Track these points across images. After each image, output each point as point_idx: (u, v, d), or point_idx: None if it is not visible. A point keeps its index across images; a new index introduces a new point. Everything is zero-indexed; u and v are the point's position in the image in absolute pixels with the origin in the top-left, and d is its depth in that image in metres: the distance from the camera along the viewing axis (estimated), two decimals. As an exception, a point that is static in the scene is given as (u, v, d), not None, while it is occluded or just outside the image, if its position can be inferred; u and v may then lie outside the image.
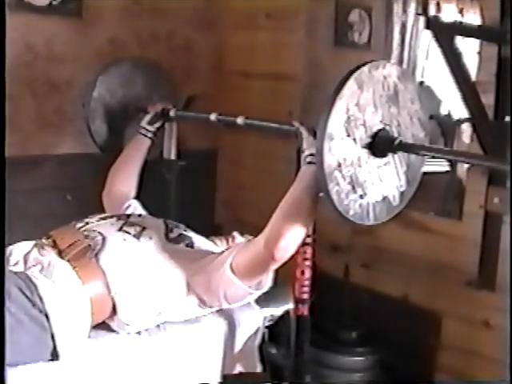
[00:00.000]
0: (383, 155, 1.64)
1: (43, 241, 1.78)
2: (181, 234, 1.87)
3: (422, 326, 2.33)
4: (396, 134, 1.65)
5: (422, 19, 2.66)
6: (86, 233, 1.79)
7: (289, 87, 2.67)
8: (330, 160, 1.52)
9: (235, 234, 2.09)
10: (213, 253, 1.85)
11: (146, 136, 2.28)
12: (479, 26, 2.20)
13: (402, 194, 1.72)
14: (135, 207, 2.14)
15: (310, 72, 2.64)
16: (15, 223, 1.83)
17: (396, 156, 1.68)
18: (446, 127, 2.98)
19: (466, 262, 2.20)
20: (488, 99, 2.06)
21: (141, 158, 2.27)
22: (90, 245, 1.73)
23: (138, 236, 1.79)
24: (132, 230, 1.81)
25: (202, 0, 2.86)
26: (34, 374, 1.57)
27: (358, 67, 1.56)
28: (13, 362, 1.48)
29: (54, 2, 2.45)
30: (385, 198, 1.68)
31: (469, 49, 2.22)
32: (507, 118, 2.03)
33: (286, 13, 2.67)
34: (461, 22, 2.47)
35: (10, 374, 1.48)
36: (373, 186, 1.63)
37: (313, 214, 1.69)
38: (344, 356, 2.28)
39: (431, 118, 2.05)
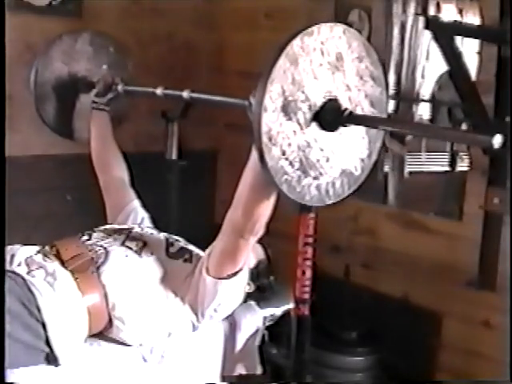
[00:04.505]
0: (333, 129, 1.48)
1: (47, 249, 1.78)
2: (181, 248, 1.87)
3: (423, 326, 2.33)
4: (346, 101, 1.49)
5: (421, 19, 2.65)
6: (90, 247, 1.79)
7: (289, 87, 2.66)
8: (271, 152, 1.38)
9: None
10: None
11: (99, 109, 2.24)
12: (479, 26, 2.20)
13: (362, 161, 1.58)
14: (142, 218, 2.11)
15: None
16: (15, 223, 1.83)
17: None
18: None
19: (466, 262, 2.21)
20: (488, 99, 2.07)
21: (109, 133, 2.24)
22: (92, 258, 1.74)
23: (139, 252, 1.80)
24: (134, 246, 1.81)
25: (202, 0, 2.86)
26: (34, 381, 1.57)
27: (289, 41, 1.37)
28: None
29: (54, 2, 2.45)
30: (344, 171, 1.55)
31: (469, 49, 2.21)
32: (507, 118, 2.04)
33: (286, 13, 2.68)
34: (460, 22, 2.46)
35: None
36: (328, 162, 1.50)
37: (271, 188, 1.53)
38: (344, 356, 2.28)
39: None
